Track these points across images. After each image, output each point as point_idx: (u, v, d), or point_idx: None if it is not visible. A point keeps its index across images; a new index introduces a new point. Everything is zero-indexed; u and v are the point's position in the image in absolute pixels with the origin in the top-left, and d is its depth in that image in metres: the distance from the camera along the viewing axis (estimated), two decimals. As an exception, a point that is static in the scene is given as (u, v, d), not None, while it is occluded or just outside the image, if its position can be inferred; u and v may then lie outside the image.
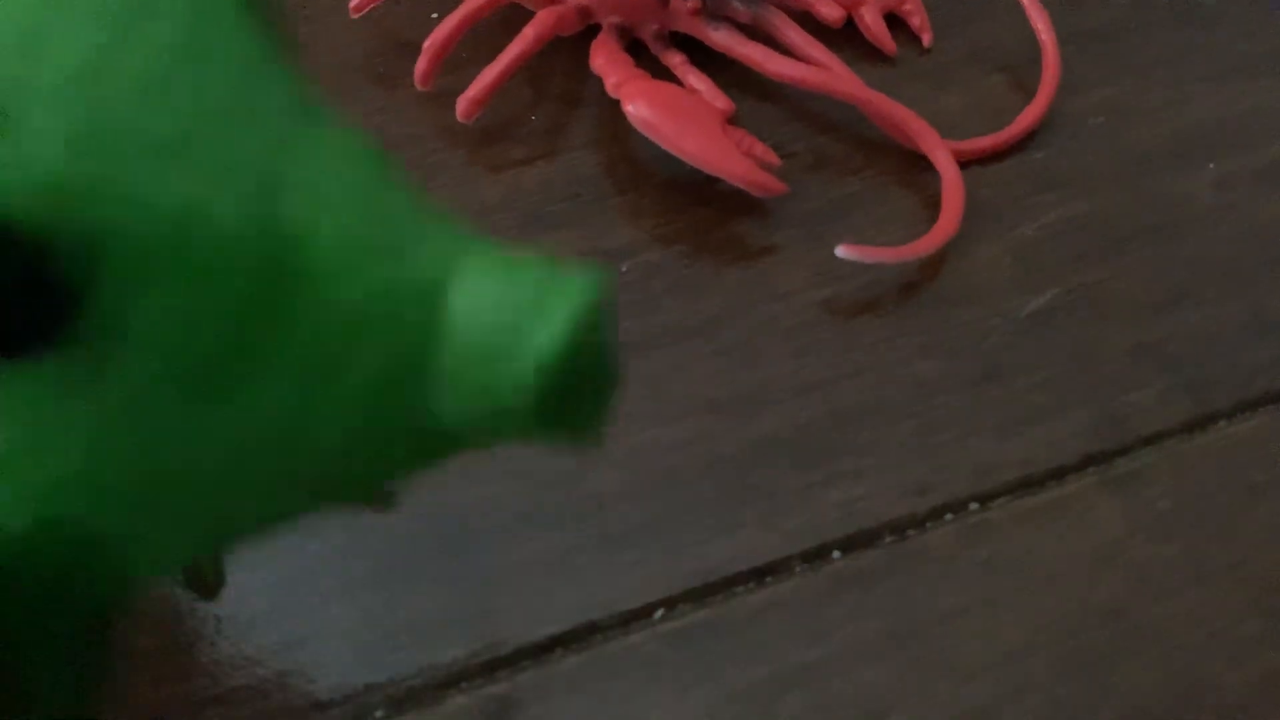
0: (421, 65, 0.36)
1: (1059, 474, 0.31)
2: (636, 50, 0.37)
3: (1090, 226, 0.35)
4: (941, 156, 0.35)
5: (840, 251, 0.33)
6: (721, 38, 0.36)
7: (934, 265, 0.34)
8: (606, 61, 0.36)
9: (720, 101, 0.35)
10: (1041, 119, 0.37)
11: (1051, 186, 0.36)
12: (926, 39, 0.38)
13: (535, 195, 0.35)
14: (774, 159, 0.35)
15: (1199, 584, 0.30)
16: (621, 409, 0.31)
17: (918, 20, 0.38)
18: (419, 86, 0.36)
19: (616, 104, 0.35)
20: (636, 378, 0.32)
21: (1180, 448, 0.32)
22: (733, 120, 0.36)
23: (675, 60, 0.36)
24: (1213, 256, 0.35)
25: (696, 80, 0.36)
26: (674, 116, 0.34)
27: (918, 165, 0.36)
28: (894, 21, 0.39)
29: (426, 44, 0.36)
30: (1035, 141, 0.37)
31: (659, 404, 0.32)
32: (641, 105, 0.34)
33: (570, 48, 0.37)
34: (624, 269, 0.34)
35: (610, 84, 0.35)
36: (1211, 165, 0.37)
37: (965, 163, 0.36)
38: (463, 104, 0.35)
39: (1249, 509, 0.31)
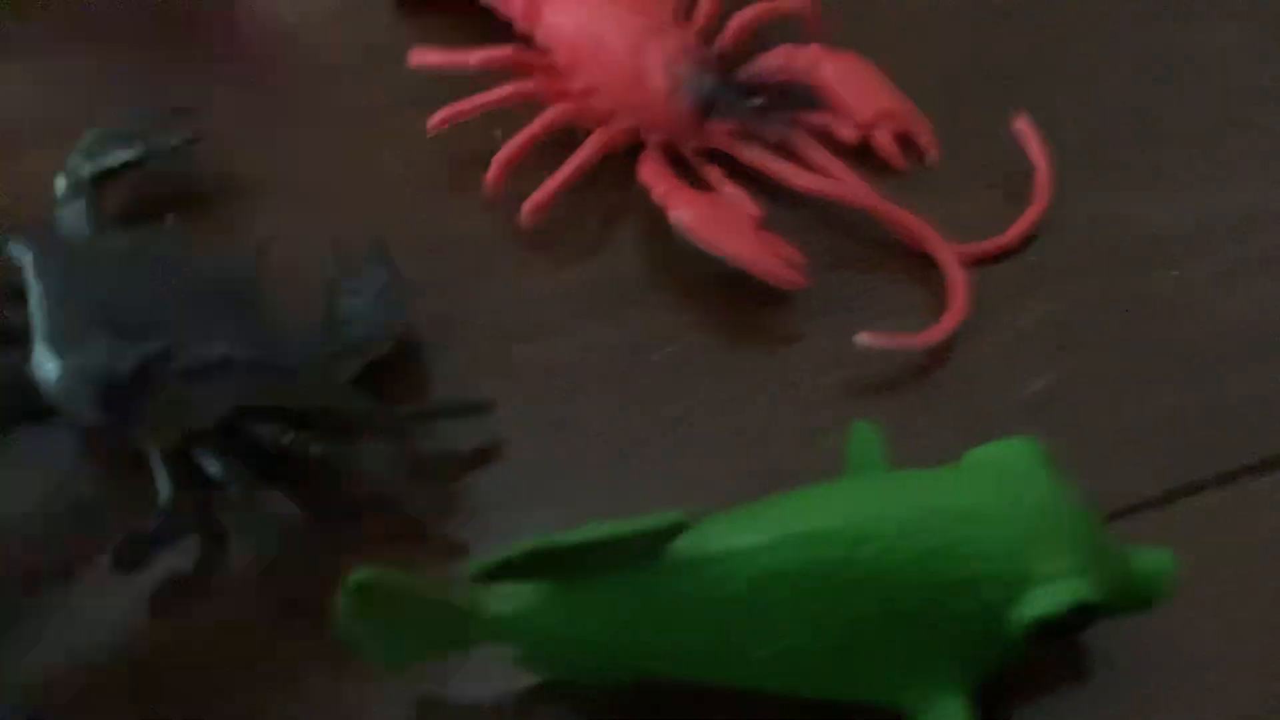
0: (492, 174, 0.41)
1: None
2: (677, 163, 0.42)
3: (1076, 320, 0.40)
4: (946, 257, 0.40)
5: (860, 339, 0.38)
6: (753, 155, 0.41)
7: (942, 353, 0.39)
8: (653, 174, 0.41)
9: (751, 209, 0.40)
10: (1033, 227, 0.42)
11: (1043, 283, 0.41)
12: (932, 156, 0.43)
13: (581, 291, 0.40)
14: (798, 258, 0.40)
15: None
16: (658, 482, 0.37)
17: (925, 140, 0.44)
18: (488, 191, 0.41)
19: (656, 211, 0.40)
20: (671, 455, 0.37)
21: (1159, 517, 0.36)
22: (761, 225, 0.41)
23: (713, 174, 0.42)
24: (1176, 347, 0.40)
25: (731, 190, 0.41)
26: (713, 223, 0.39)
27: (926, 264, 0.41)
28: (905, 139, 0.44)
29: (497, 158, 0.41)
30: (1030, 246, 0.42)
31: (691, 480, 0.37)
32: (685, 213, 0.39)
33: (615, 163, 0.43)
34: (654, 357, 0.39)
35: (657, 193, 0.40)
36: (1175, 272, 0.41)
37: (971, 263, 0.41)
38: (528, 209, 0.41)
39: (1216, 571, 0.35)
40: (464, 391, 0.38)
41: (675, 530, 0.30)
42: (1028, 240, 0.42)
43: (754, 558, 0.31)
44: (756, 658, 0.31)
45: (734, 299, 0.40)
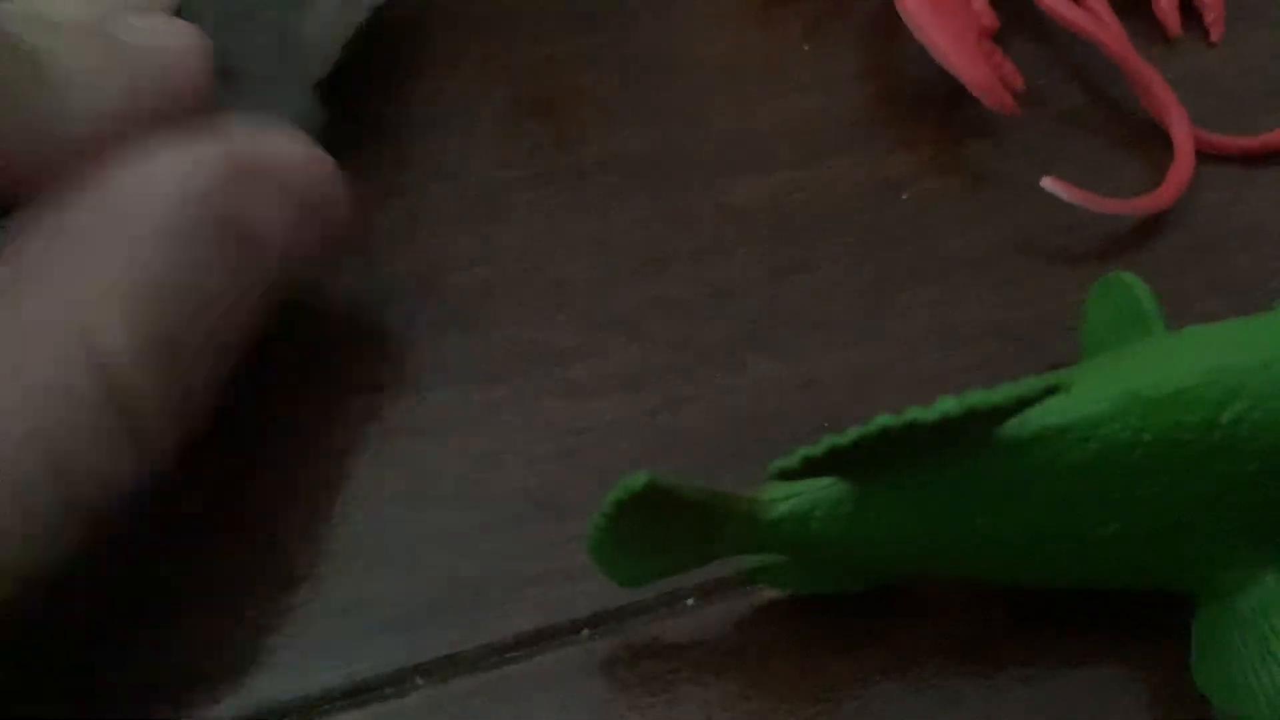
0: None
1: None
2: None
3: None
4: (1181, 136, 0.35)
5: (1046, 183, 0.33)
6: (1014, -37, 0.37)
7: (1205, 210, 0.35)
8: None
9: (987, 17, 0.36)
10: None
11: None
12: (1215, 34, 0.38)
13: (812, 124, 0.37)
14: (1018, 82, 0.35)
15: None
16: (914, 336, 0.33)
17: (1212, 16, 0.38)
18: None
19: (886, 36, 0.37)
20: (922, 303, 0.33)
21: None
22: (995, 39, 0.36)
23: (961, -29, 0.37)
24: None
25: (980, 2, 0.37)
26: (938, 14, 0.35)
27: (1160, 139, 0.36)
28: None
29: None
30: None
31: (948, 329, 0.33)
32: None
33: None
34: (904, 196, 0.35)
35: (892, -35, 0.36)
36: None
37: (1205, 156, 0.35)
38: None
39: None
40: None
41: (1042, 398, 0.26)
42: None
43: (1096, 429, 0.26)
44: (1076, 547, 0.27)
45: (975, 138, 0.36)
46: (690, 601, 0.29)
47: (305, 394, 0.32)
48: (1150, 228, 0.35)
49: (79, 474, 0.24)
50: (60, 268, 0.25)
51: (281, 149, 0.28)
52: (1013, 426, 0.26)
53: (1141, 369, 0.27)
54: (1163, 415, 0.26)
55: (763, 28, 0.38)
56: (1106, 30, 0.36)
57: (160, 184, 0.26)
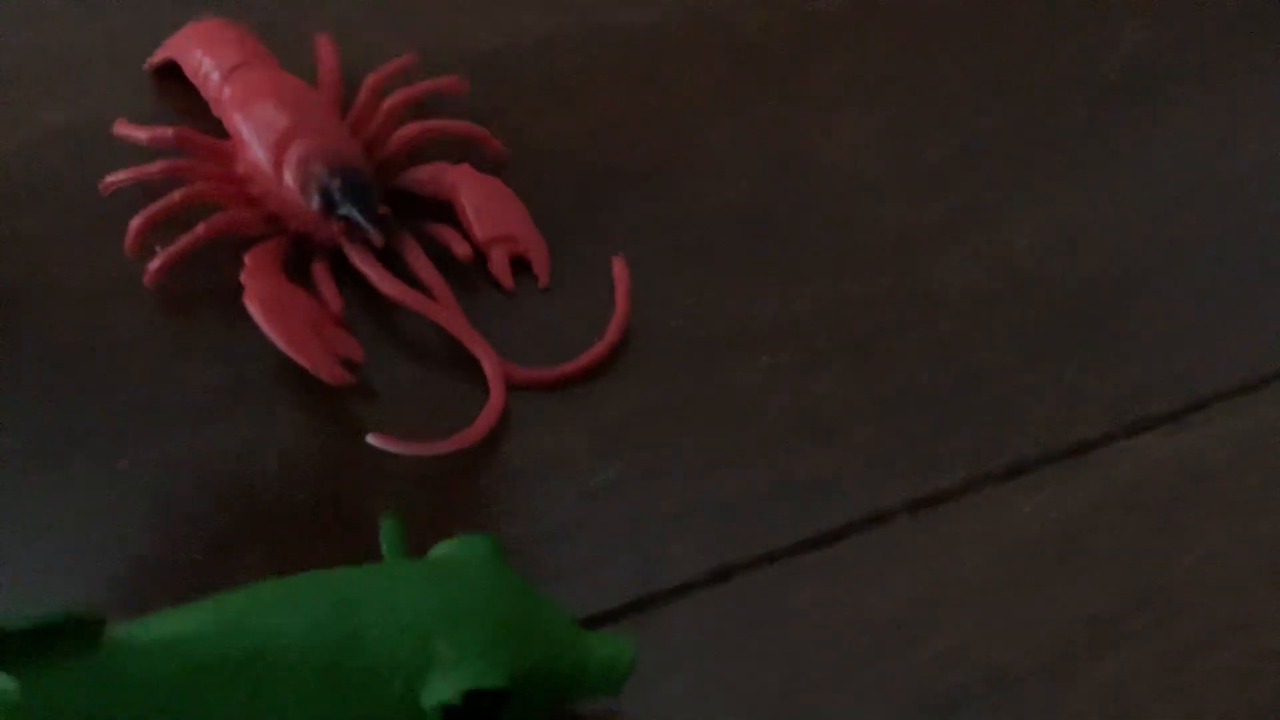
0: (149, 279, 0.44)
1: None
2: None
3: (662, 411, 0.43)
4: (494, 383, 0.42)
5: (370, 439, 0.40)
6: (356, 256, 0.44)
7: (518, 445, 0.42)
8: (252, 256, 0.43)
9: (334, 304, 0.43)
10: (596, 363, 0.44)
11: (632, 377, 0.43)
12: (541, 281, 0.46)
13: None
14: (357, 356, 0.42)
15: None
16: None
17: (537, 267, 0.46)
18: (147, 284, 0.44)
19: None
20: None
21: (703, 595, 0.38)
22: (340, 322, 0.43)
23: (318, 271, 0.44)
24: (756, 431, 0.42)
25: (325, 287, 0.43)
26: (276, 313, 0.42)
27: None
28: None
29: (150, 266, 0.43)
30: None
31: None
32: (252, 301, 0.42)
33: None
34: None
35: (242, 275, 0.43)
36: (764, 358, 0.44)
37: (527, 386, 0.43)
38: (148, 275, 0.44)
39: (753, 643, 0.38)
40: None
41: (74, 627, 0.31)
42: (587, 374, 0.44)
43: (175, 648, 0.32)
44: None
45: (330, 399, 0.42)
46: None
47: None
48: (472, 461, 0.41)
49: None
50: None
51: None
52: (125, 635, 0.32)
53: (230, 603, 0.33)
54: (222, 643, 0.32)
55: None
56: (427, 304, 0.43)
57: None
